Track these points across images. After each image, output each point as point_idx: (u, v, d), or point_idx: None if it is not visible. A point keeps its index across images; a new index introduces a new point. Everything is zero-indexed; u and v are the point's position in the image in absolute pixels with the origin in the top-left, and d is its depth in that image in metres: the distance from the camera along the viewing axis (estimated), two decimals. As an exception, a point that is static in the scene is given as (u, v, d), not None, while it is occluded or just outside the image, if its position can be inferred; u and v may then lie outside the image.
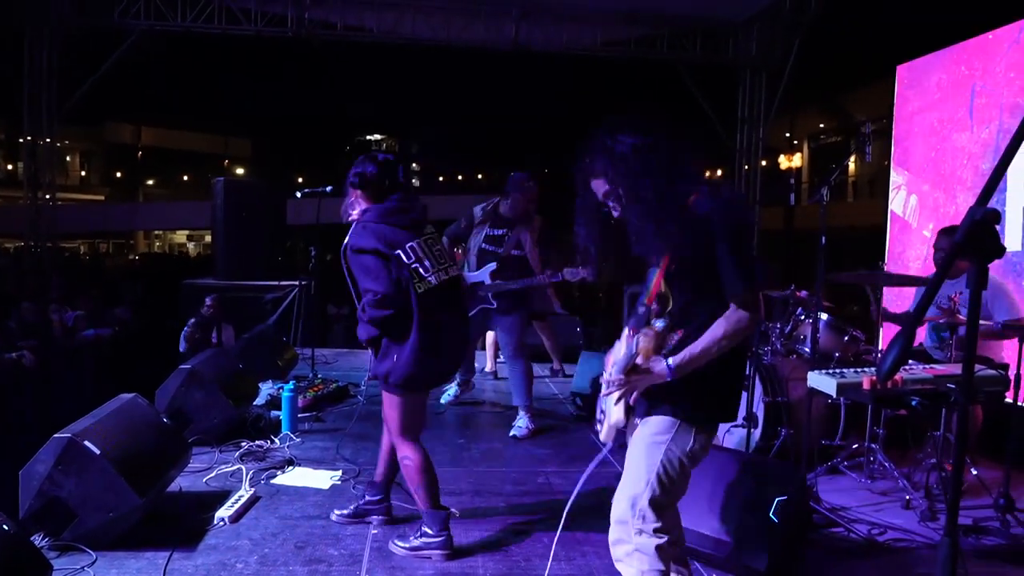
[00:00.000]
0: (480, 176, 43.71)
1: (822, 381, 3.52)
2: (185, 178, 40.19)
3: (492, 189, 5.09)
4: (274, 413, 4.88)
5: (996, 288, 4.08)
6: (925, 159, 5.69)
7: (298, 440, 4.53)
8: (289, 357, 6.38)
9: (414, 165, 53.23)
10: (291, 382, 5.06)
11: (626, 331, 2.20)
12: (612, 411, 2.20)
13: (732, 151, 11.70)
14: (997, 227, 1.25)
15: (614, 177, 2.11)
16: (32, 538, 2.73)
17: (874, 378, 3.40)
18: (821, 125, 26.83)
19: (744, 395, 3.94)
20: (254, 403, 5.03)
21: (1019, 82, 4.78)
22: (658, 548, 2.10)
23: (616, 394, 2.13)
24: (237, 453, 4.18)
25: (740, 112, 11.54)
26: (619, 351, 2.19)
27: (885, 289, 5.79)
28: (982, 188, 1.27)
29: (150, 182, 39.89)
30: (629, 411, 2.17)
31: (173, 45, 12.48)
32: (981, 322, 3.45)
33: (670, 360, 2.05)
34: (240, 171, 40.05)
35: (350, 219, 3.13)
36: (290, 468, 4.03)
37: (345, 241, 3.07)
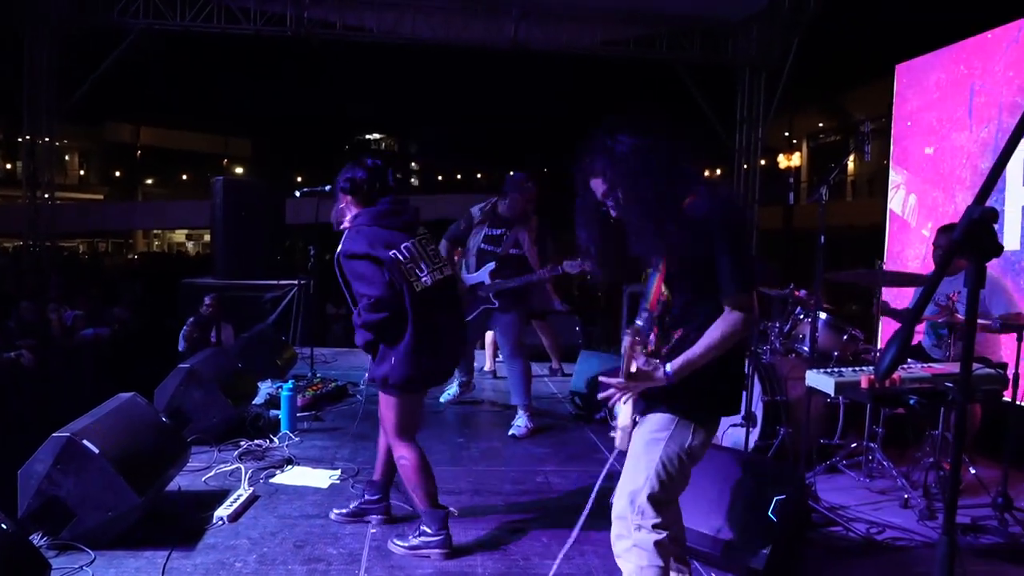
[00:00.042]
0: (479, 175, 43.73)
1: (820, 380, 3.52)
2: (184, 177, 40.15)
3: (491, 189, 5.10)
4: (273, 412, 4.88)
5: (993, 284, 4.08)
6: (924, 158, 5.70)
7: (297, 439, 4.53)
8: (288, 356, 6.38)
9: (413, 164, 53.25)
10: (290, 381, 5.06)
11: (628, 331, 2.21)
12: (621, 415, 2.23)
13: (731, 150, 11.71)
14: (995, 226, 1.26)
15: (613, 177, 2.12)
16: (31, 537, 2.73)
17: (872, 377, 3.40)
18: (820, 124, 26.82)
19: (743, 394, 3.94)
20: (253, 402, 5.03)
21: (1018, 81, 4.78)
22: (657, 544, 2.11)
23: (623, 398, 2.16)
24: (236, 452, 4.18)
25: (739, 111, 11.55)
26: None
27: (884, 288, 5.79)
28: (980, 187, 1.27)
29: (149, 181, 39.85)
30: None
31: (172, 44, 12.47)
32: (979, 320, 3.47)
33: (668, 367, 2.06)
34: (239, 170, 40.01)
35: (342, 227, 3.14)
36: (289, 467, 4.03)
37: (338, 249, 3.09)
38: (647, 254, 2.20)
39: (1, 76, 11.38)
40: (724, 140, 11.67)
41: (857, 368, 3.67)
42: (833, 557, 3.14)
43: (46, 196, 10.95)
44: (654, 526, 2.12)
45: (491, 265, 4.87)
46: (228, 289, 7.91)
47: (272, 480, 3.84)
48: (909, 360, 3.76)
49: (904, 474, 3.78)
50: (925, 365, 3.61)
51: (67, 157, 33.16)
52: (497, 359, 6.47)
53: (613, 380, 2.11)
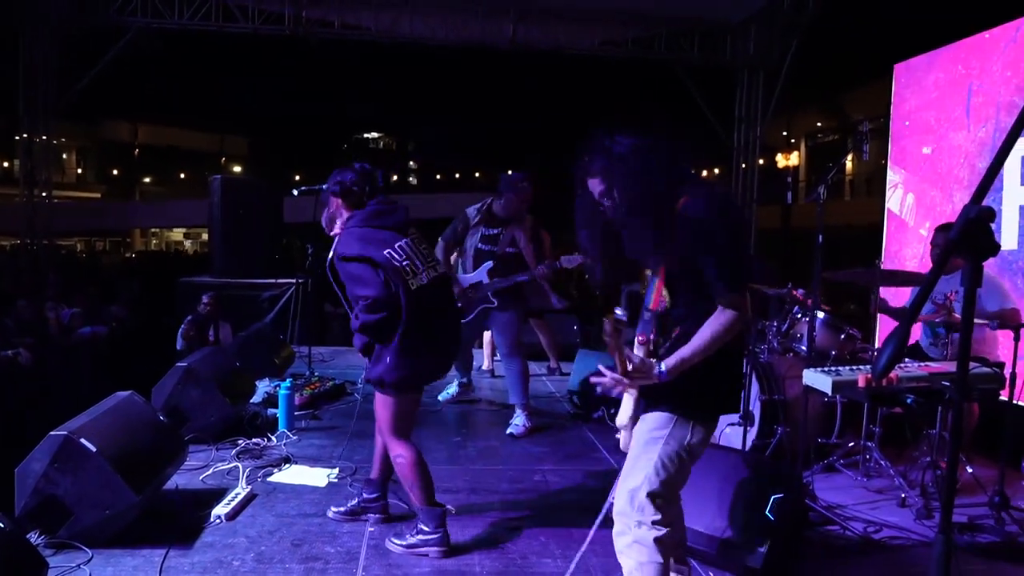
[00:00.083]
0: (477, 175, 43.69)
1: (818, 379, 3.53)
2: (182, 176, 40.07)
3: (490, 188, 5.11)
4: (271, 411, 4.88)
5: (989, 282, 4.09)
6: (922, 158, 5.70)
7: (295, 438, 4.52)
8: (286, 355, 6.38)
9: (411, 163, 53.21)
10: (288, 380, 5.06)
11: (637, 338, 2.22)
12: (620, 413, 2.27)
13: (730, 150, 11.71)
14: (992, 225, 1.26)
15: (610, 177, 2.14)
16: (28, 536, 2.73)
17: (869, 376, 3.41)
18: (818, 124, 26.82)
19: (741, 393, 3.95)
20: (251, 401, 5.03)
21: (1016, 81, 4.79)
22: (657, 540, 2.12)
23: (617, 392, 2.17)
24: (234, 451, 4.18)
25: (737, 111, 11.55)
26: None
27: (882, 288, 5.80)
28: (977, 186, 1.28)
29: (147, 180, 39.77)
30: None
31: (170, 43, 12.44)
32: (976, 320, 3.47)
33: (662, 365, 2.08)
34: (237, 169, 39.96)
35: (333, 233, 3.15)
36: (287, 466, 4.03)
37: (330, 255, 3.09)
38: (643, 255, 2.21)
39: (-2, 74, 11.36)
40: (723, 139, 11.67)
41: (854, 367, 3.68)
42: (830, 556, 3.14)
43: (43, 194, 10.93)
44: (654, 522, 2.14)
45: (489, 264, 4.87)
46: (226, 288, 7.90)
47: (270, 479, 3.84)
48: (906, 359, 3.76)
49: (901, 473, 3.79)
50: (922, 364, 3.61)
51: (64, 155, 33.12)
52: (495, 358, 6.47)
53: (608, 374, 2.13)
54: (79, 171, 36.19)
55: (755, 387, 4.18)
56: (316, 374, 5.95)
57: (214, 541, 3.09)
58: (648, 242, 2.12)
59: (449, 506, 3.15)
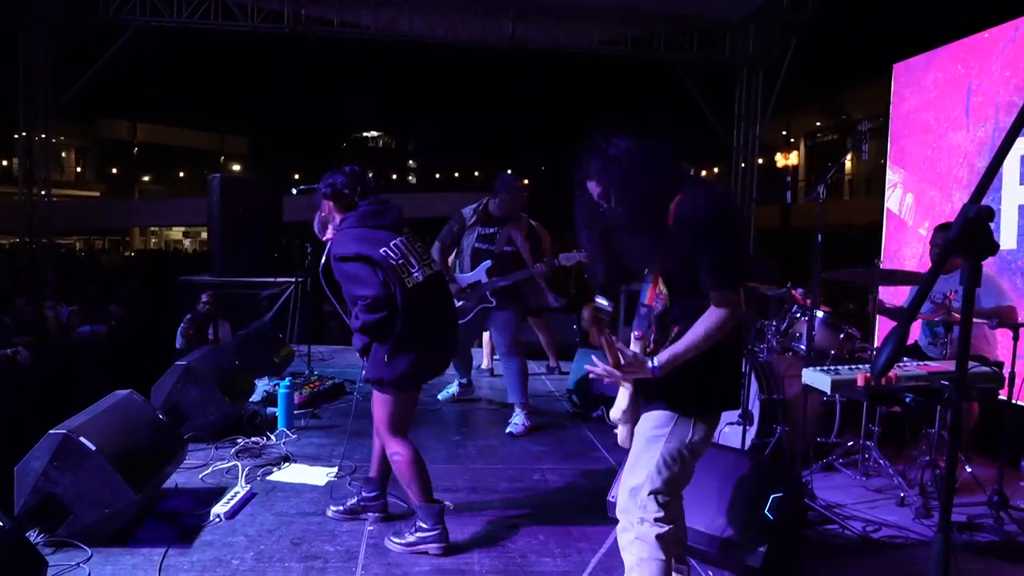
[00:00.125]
0: (477, 173, 43.68)
1: (817, 378, 3.53)
2: (181, 175, 40.04)
3: (489, 187, 5.11)
4: (270, 410, 4.88)
5: (986, 280, 4.09)
6: (921, 157, 5.70)
7: (294, 437, 4.52)
8: (285, 354, 6.38)
9: (411, 163, 53.21)
10: (287, 379, 5.06)
11: (633, 333, 2.23)
12: (614, 407, 2.28)
13: (729, 149, 11.72)
14: (991, 224, 1.26)
15: (607, 179, 2.16)
16: (27, 534, 2.73)
17: (868, 375, 3.41)
18: (818, 123, 26.83)
19: (741, 390, 3.95)
20: (250, 400, 5.02)
21: (1015, 80, 4.79)
22: (658, 537, 2.13)
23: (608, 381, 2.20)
24: (233, 450, 4.18)
25: (737, 110, 11.56)
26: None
27: (881, 287, 5.80)
28: (976, 185, 1.28)
29: (146, 178, 39.75)
30: (634, 407, 2.23)
31: (169, 41, 12.44)
32: (975, 319, 3.48)
33: (654, 360, 2.10)
34: (236, 168, 39.93)
35: (326, 238, 3.16)
36: (286, 465, 4.03)
37: (322, 260, 3.10)
38: (639, 255, 2.22)
39: (-2, 73, 11.35)
40: (722, 138, 11.68)
41: (854, 366, 3.68)
42: (830, 555, 3.14)
43: (42, 193, 10.93)
44: (656, 519, 2.14)
45: (487, 263, 4.87)
46: (225, 287, 7.90)
47: (269, 477, 3.84)
48: (905, 358, 3.76)
49: (900, 472, 3.79)
50: (921, 363, 3.62)
51: (63, 154, 33.07)
52: (494, 357, 6.47)
53: (600, 364, 2.14)
54: (78, 170, 36.16)
55: (754, 386, 4.19)
56: (315, 373, 5.95)
57: (213, 540, 3.09)
58: (644, 243, 2.14)
59: (447, 502, 3.15)
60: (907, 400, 3.42)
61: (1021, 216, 4.66)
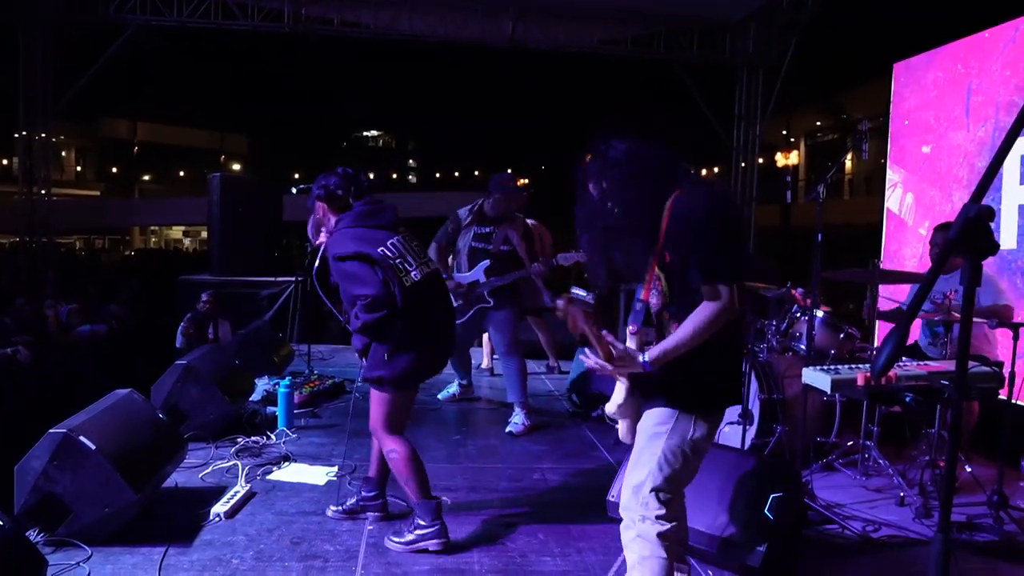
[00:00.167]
0: (477, 173, 43.68)
1: (817, 378, 3.53)
2: (181, 174, 40.05)
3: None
4: (270, 409, 4.88)
5: (984, 279, 4.09)
6: (921, 157, 5.70)
7: (294, 436, 4.52)
8: (285, 353, 6.38)
9: (411, 162, 53.20)
10: (287, 378, 5.06)
11: (628, 328, 2.24)
12: (610, 402, 2.29)
13: (729, 149, 11.72)
14: (991, 224, 1.26)
15: (605, 180, 2.19)
16: (27, 534, 2.73)
17: (868, 375, 3.41)
18: (818, 123, 26.86)
19: (742, 388, 3.95)
20: (250, 399, 5.03)
21: (1015, 80, 4.79)
22: (660, 535, 2.14)
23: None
24: (233, 449, 4.18)
25: (737, 110, 11.56)
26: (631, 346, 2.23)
27: (881, 287, 5.80)
28: (976, 185, 1.28)
29: (146, 178, 39.76)
30: (630, 402, 2.25)
31: (169, 40, 12.44)
32: (975, 320, 3.48)
33: (646, 355, 2.12)
34: (236, 167, 39.94)
35: (319, 242, 3.16)
36: (286, 464, 4.03)
37: (316, 264, 3.10)
38: (637, 255, 2.22)
39: (-3, 72, 11.36)
40: (722, 138, 11.68)
41: (853, 366, 3.68)
42: (829, 555, 3.14)
43: (42, 192, 10.93)
44: (658, 517, 2.15)
45: (486, 263, 4.87)
46: (225, 286, 7.90)
47: (269, 477, 3.84)
48: (905, 358, 3.76)
49: (900, 472, 3.79)
50: (921, 363, 3.62)
51: (63, 153, 33.08)
52: (494, 357, 6.47)
53: (591, 357, 2.16)
54: (78, 169, 36.17)
55: (754, 386, 4.19)
56: (315, 372, 5.95)
57: (213, 539, 3.09)
58: (641, 242, 2.16)
59: (445, 498, 3.15)
60: (907, 400, 3.42)
61: (1021, 216, 4.66)
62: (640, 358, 2.12)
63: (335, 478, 3.84)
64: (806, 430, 3.89)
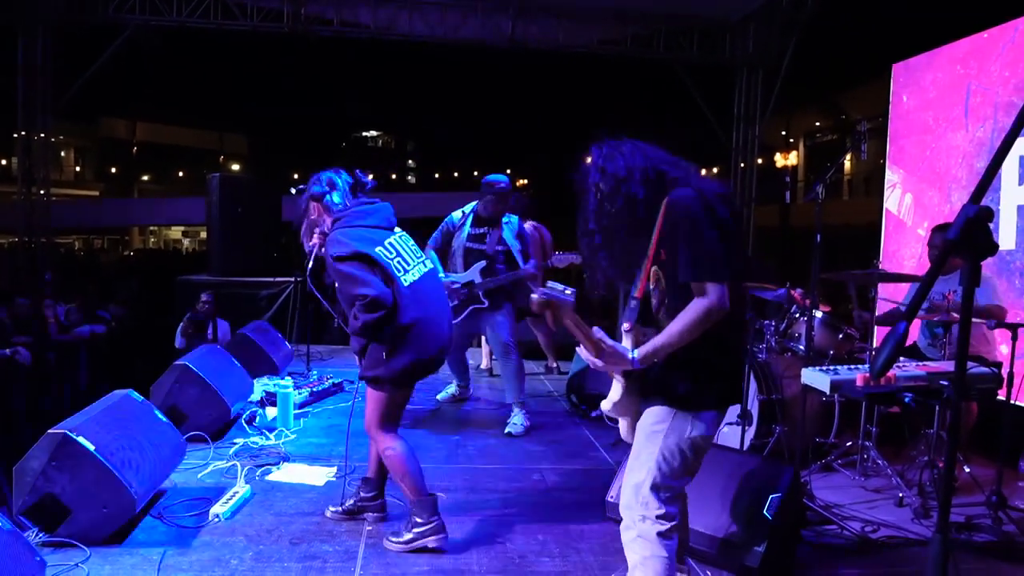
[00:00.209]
0: (476, 173, 43.65)
1: (816, 378, 3.53)
2: (180, 174, 40.03)
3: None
4: (269, 410, 4.87)
5: (983, 280, 4.10)
6: (920, 157, 5.71)
7: (293, 436, 4.52)
8: (284, 354, 6.37)
9: (410, 162, 53.18)
10: (286, 378, 5.06)
11: (623, 326, 2.24)
12: (607, 399, 2.29)
13: (728, 149, 11.71)
14: (990, 225, 1.26)
15: (603, 183, 2.21)
16: (26, 534, 2.72)
17: (867, 375, 3.41)
18: (817, 123, 26.86)
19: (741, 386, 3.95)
20: (249, 399, 5.02)
21: (1014, 81, 4.79)
22: (660, 535, 2.14)
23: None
24: (232, 449, 4.18)
25: (736, 110, 11.54)
26: (626, 345, 2.23)
27: (880, 287, 5.80)
28: (976, 186, 1.28)
29: (145, 178, 39.73)
30: (627, 399, 2.25)
31: (168, 40, 12.42)
32: (973, 320, 3.48)
33: (635, 352, 2.13)
34: (236, 167, 39.93)
35: (311, 244, 3.16)
36: (285, 464, 4.03)
37: (310, 265, 3.10)
38: (634, 254, 2.23)
39: (-4, 72, 11.34)
40: (721, 138, 11.68)
41: (852, 366, 3.68)
42: (828, 555, 3.14)
43: (41, 192, 10.91)
44: (658, 517, 2.15)
45: (481, 263, 4.89)
46: (224, 286, 7.91)
47: (268, 477, 3.83)
48: (904, 359, 3.77)
49: (899, 473, 3.79)
50: (920, 363, 3.62)
51: (63, 153, 33.08)
52: (493, 357, 6.47)
53: (585, 354, 2.18)
54: (77, 169, 36.14)
55: (753, 386, 4.19)
56: (314, 372, 5.95)
57: (212, 540, 3.09)
58: (640, 244, 2.18)
59: (439, 493, 3.15)
60: (906, 400, 3.42)
61: (1020, 216, 4.66)
62: (628, 355, 2.13)
63: (334, 479, 3.84)
64: (805, 431, 3.89)
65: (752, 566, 2.80)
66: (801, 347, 4.31)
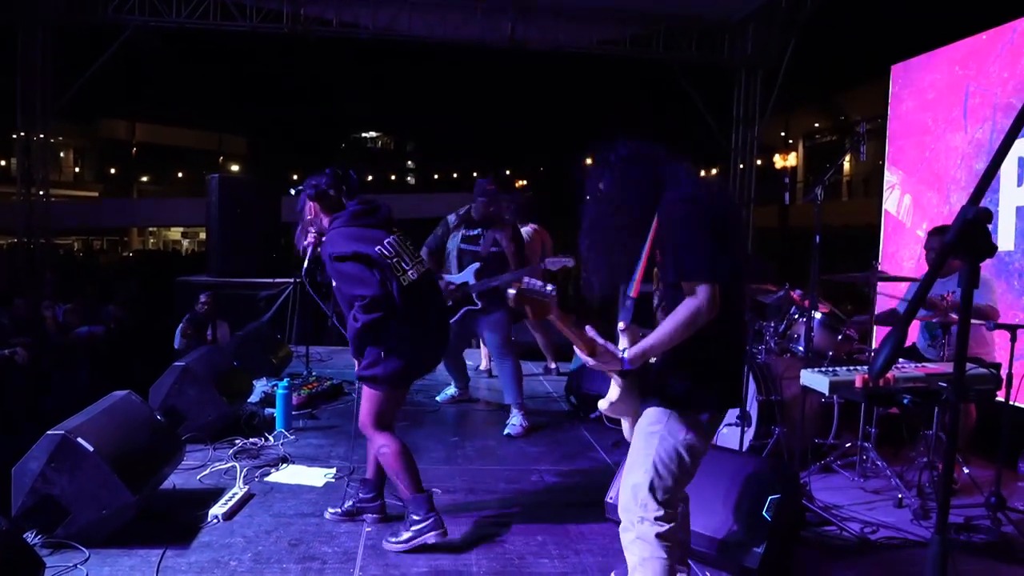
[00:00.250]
0: (476, 174, 43.63)
1: (815, 379, 3.53)
2: (180, 175, 40.01)
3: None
4: (268, 410, 4.87)
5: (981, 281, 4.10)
6: (919, 159, 5.71)
7: (292, 438, 4.52)
8: (283, 354, 6.37)
9: (409, 163, 53.17)
10: (285, 379, 5.06)
11: (620, 325, 2.24)
12: (604, 398, 2.29)
13: (727, 150, 11.72)
14: (989, 226, 1.26)
15: (603, 183, 2.23)
16: (25, 535, 2.73)
17: (866, 376, 3.41)
18: (816, 124, 26.87)
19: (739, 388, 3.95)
20: (248, 400, 5.02)
21: (1013, 82, 4.80)
22: (659, 536, 2.14)
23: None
24: (231, 451, 4.18)
25: (735, 111, 11.56)
26: (623, 345, 2.23)
27: (879, 288, 5.80)
28: (974, 187, 1.28)
29: (144, 179, 39.72)
30: (625, 400, 2.25)
31: (168, 41, 12.42)
32: (972, 320, 3.48)
33: (625, 352, 2.13)
34: (235, 168, 39.91)
35: (306, 243, 3.16)
36: (284, 466, 4.03)
37: (305, 264, 3.09)
38: (632, 255, 2.24)
39: (-4, 72, 11.33)
40: (720, 139, 11.69)
41: (852, 368, 3.68)
42: (827, 556, 3.15)
43: (41, 193, 10.91)
44: (656, 518, 2.15)
45: (476, 265, 4.89)
46: (224, 287, 7.90)
47: (267, 478, 3.83)
48: (903, 360, 3.77)
49: (898, 474, 3.79)
50: (919, 365, 3.62)
51: (62, 154, 33.04)
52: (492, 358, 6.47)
53: (579, 352, 2.18)
54: (76, 170, 36.12)
55: (752, 387, 4.19)
56: (314, 374, 5.94)
57: (211, 541, 3.09)
58: (639, 244, 2.19)
59: (435, 489, 3.16)
60: (905, 401, 3.42)
61: (1018, 218, 4.66)
62: (618, 355, 2.13)
63: (333, 480, 3.84)
64: (804, 432, 3.89)
65: (751, 567, 2.80)
66: (800, 348, 4.31)
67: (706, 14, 10.54)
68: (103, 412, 3.26)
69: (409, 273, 3.03)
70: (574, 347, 2.22)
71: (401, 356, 3.00)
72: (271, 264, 8.91)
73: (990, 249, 1.26)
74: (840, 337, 4.38)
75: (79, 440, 2.92)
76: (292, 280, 8.08)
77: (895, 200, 5.97)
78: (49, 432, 2.94)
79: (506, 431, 4.80)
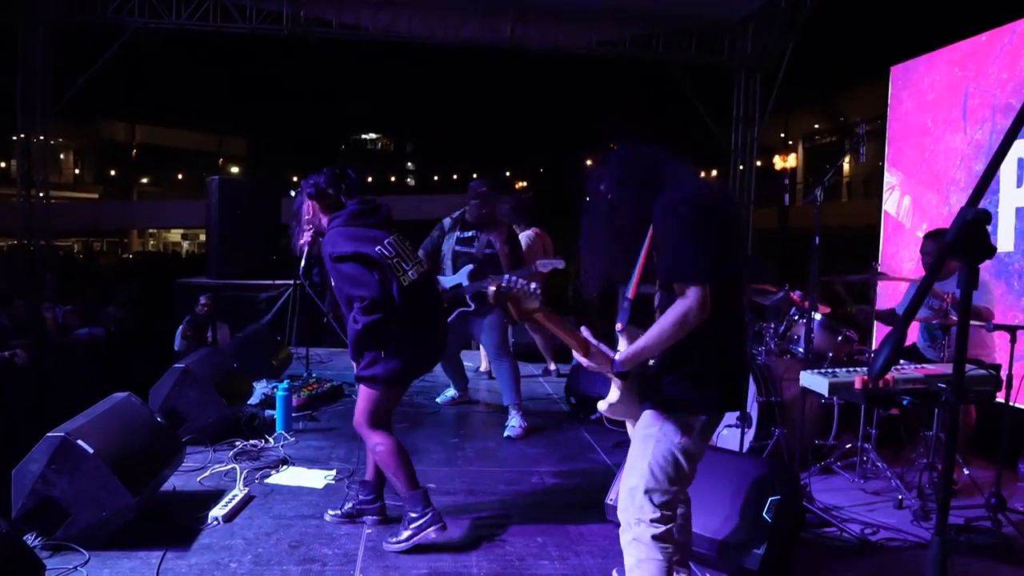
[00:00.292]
0: (475, 175, 43.62)
1: (815, 381, 3.53)
2: (179, 176, 40.01)
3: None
4: (268, 412, 4.87)
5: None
6: (918, 160, 5.71)
7: (292, 439, 4.52)
8: (283, 356, 6.37)
9: (409, 164, 53.18)
10: (285, 381, 5.05)
11: (618, 326, 2.25)
12: (604, 399, 2.29)
13: (727, 151, 11.72)
14: (988, 227, 1.26)
15: (603, 185, 2.24)
16: (25, 537, 2.72)
17: (866, 378, 3.41)
18: (816, 125, 26.89)
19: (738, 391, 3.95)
20: (248, 402, 5.02)
21: (1012, 83, 4.80)
22: (655, 538, 2.14)
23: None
24: (231, 452, 4.17)
25: (735, 112, 11.56)
26: (621, 347, 2.23)
27: (880, 288, 5.81)
28: (974, 188, 1.28)
29: (144, 180, 39.70)
30: (625, 401, 2.26)
31: (168, 42, 12.43)
32: (972, 322, 3.48)
33: (617, 355, 2.15)
34: (235, 169, 39.91)
35: (302, 242, 3.16)
36: (284, 467, 4.02)
37: (302, 264, 3.09)
38: (629, 254, 2.24)
39: (-4, 73, 11.34)
40: (720, 141, 11.69)
41: (851, 369, 3.68)
42: (827, 558, 3.15)
43: (41, 195, 10.91)
44: (652, 520, 2.15)
45: (470, 267, 4.90)
46: (223, 289, 7.91)
47: (267, 480, 3.83)
48: (903, 361, 3.77)
49: (898, 475, 3.79)
50: (918, 366, 3.62)
51: (62, 155, 33.05)
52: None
53: (576, 354, 2.19)
54: (76, 171, 36.13)
55: (752, 389, 4.19)
56: (314, 375, 5.94)
57: (211, 543, 3.09)
58: (632, 243, 2.20)
59: (430, 484, 3.16)
60: (905, 403, 3.42)
61: (1018, 218, 4.67)
62: (612, 356, 2.13)
63: (333, 482, 3.84)
64: (804, 433, 3.89)
65: (751, 568, 2.80)
66: (800, 349, 4.31)
67: (706, 15, 10.55)
68: (103, 414, 3.26)
69: (409, 273, 3.04)
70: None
71: (400, 356, 3.01)
72: (271, 266, 8.92)
73: (989, 250, 1.26)
74: (840, 338, 4.39)
75: (79, 442, 2.92)
76: (292, 282, 8.08)
77: (895, 201, 5.97)
78: (49, 434, 2.94)
79: (506, 433, 4.80)
